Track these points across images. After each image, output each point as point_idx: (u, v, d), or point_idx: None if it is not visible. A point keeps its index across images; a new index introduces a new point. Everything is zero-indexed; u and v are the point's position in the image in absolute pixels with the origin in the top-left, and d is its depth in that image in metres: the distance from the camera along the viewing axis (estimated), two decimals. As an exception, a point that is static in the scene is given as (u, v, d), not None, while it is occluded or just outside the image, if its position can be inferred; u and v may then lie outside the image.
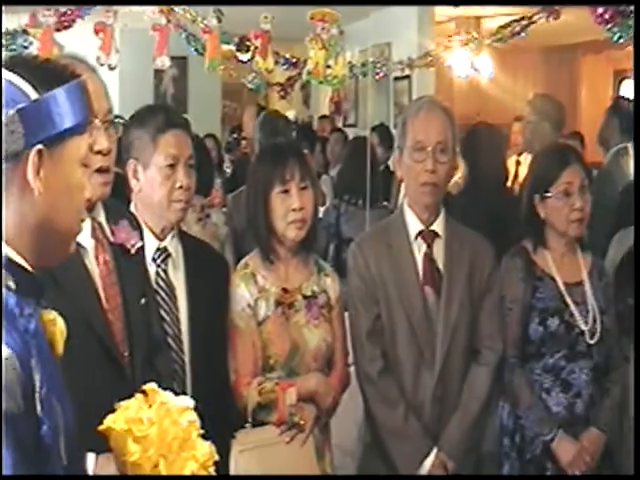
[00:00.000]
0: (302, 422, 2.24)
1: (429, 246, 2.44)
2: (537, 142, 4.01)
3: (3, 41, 5.39)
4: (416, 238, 2.45)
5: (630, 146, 4.03)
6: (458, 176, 3.98)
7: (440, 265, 2.43)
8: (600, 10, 4.30)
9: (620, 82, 8.40)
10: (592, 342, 2.49)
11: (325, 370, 2.38)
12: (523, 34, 5.41)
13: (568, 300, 2.51)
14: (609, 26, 4.31)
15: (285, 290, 2.36)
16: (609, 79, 8.63)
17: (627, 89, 7.76)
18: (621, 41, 4.33)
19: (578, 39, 8.17)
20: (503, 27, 5.60)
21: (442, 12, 7.22)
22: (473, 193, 3.72)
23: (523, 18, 5.36)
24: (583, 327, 2.49)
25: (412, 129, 2.40)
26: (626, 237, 2.74)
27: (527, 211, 2.61)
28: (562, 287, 2.53)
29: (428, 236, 2.45)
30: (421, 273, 2.43)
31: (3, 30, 5.38)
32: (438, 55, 6.38)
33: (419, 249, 2.44)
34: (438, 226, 2.46)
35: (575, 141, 6.34)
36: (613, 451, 2.56)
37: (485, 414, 2.45)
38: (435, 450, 2.36)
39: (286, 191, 2.33)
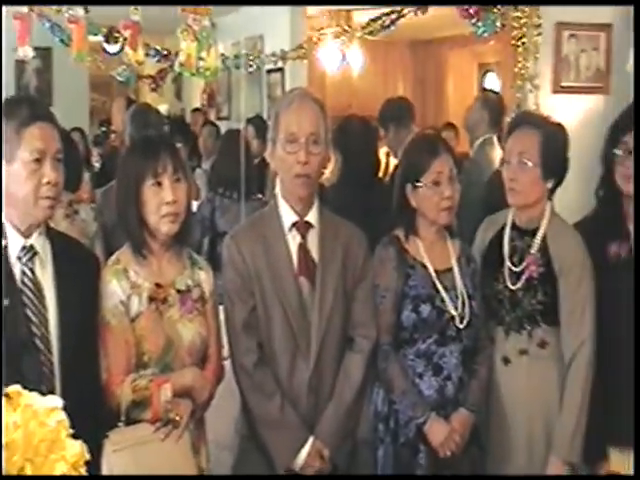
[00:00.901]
0: (178, 418, 2.20)
1: (303, 237, 2.46)
2: (393, 145, 4.15)
3: None
4: (290, 229, 2.46)
5: (495, 137, 4.19)
6: (331, 168, 4.03)
7: (314, 255, 2.45)
8: (465, 5, 4.45)
9: (484, 75, 8.70)
10: (461, 326, 2.56)
11: (200, 364, 2.35)
12: (393, 27, 5.53)
13: (439, 286, 2.57)
14: (473, 21, 4.47)
15: (158, 285, 2.31)
16: (474, 72, 8.91)
17: (490, 82, 8.05)
18: (485, 35, 4.50)
19: (445, 33, 8.39)
20: (373, 20, 5.71)
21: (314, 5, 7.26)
22: (346, 184, 3.77)
23: (393, 12, 5.47)
24: (453, 312, 2.55)
25: (285, 121, 2.41)
26: (492, 224, 2.84)
27: (399, 201, 2.65)
28: (433, 274, 2.59)
29: (302, 227, 2.46)
30: (296, 264, 2.44)
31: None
32: (310, 47, 6.42)
33: (294, 240, 2.46)
34: (312, 217, 2.48)
35: (450, 132, 6.55)
36: (480, 430, 2.64)
37: (360, 401, 2.49)
38: (311, 439, 2.38)
39: (159, 184, 2.28)
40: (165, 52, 6.31)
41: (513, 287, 2.66)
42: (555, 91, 4.31)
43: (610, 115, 2.90)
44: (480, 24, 4.50)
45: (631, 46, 4.18)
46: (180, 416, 2.21)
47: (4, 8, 5.27)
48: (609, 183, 2.71)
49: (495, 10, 4.40)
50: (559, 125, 2.75)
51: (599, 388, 2.60)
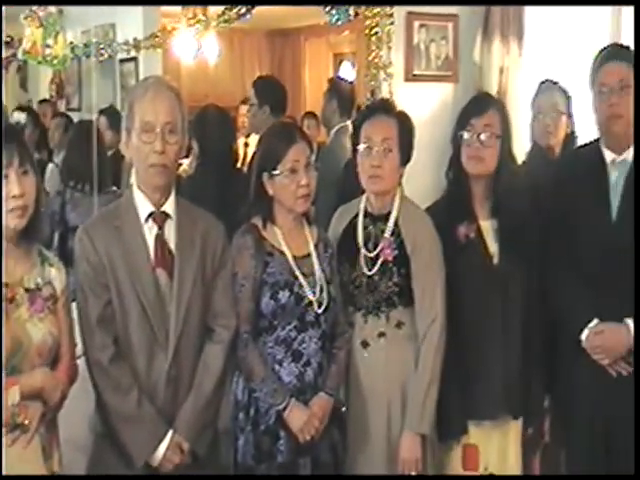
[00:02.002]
0: (26, 422, 2.10)
1: (160, 228, 2.43)
2: (260, 124, 4.10)
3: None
4: (147, 220, 2.42)
5: (350, 124, 4.23)
6: (190, 158, 3.97)
7: (172, 246, 2.42)
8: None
9: (339, 64, 8.81)
10: (320, 311, 2.59)
11: (51, 364, 2.24)
12: (248, 16, 5.48)
13: (297, 273, 2.59)
14: (327, 9, 4.49)
15: (5, 284, 2.19)
16: (329, 62, 9.00)
17: (346, 71, 8.15)
18: (339, 24, 4.53)
19: (301, 23, 8.44)
20: (229, 9, 5.65)
21: (167, -7, 7.10)
22: (204, 174, 3.72)
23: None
24: (312, 297, 2.58)
25: (140, 110, 2.37)
26: (344, 213, 2.88)
27: (256, 189, 2.65)
28: (291, 260, 2.60)
29: (159, 218, 2.43)
30: (152, 255, 2.40)
31: None
32: (165, 36, 6.29)
33: (150, 231, 2.42)
34: (169, 207, 2.45)
35: (311, 121, 6.60)
36: (341, 414, 2.68)
37: (220, 392, 2.48)
38: (170, 432, 2.35)
39: (4, 177, 2.16)
40: (8, 39, 6.00)
41: (369, 272, 2.72)
42: (407, 79, 4.38)
43: (458, 102, 3.00)
44: (334, 12, 4.52)
45: (478, 35, 4.33)
46: (29, 420, 2.11)
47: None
48: (457, 165, 2.83)
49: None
50: (405, 114, 2.84)
51: (456, 365, 2.70)
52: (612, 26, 4.73)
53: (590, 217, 2.75)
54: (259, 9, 5.39)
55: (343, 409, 2.69)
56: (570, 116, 3.62)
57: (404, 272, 2.69)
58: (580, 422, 2.78)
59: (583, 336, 2.71)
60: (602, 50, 2.87)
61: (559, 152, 3.56)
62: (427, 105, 4.31)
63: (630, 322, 2.65)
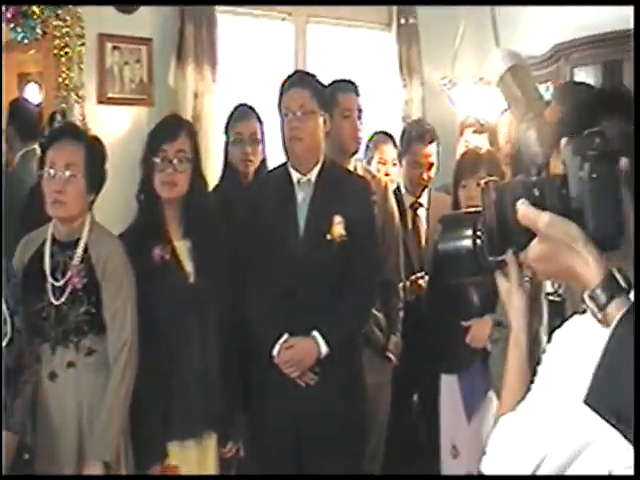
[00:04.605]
0: None
1: None
2: None
3: None
4: None
5: (37, 147, 3.98)
6: None
7: None
8: (3, 9, 4.21)
9: (25, 85, 8.36)
10: (4, 345, 2.44)
11: None
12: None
13: None
14: (12, 26, 4.26)
15: None
16: (14, 82, 8.51)
17: (32, 92, 7.77)
18: (25, 41, 4.31)
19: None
20: None
21: None
22: None
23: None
24: None
25: None
26: (31, 241, 2.73)
27: None
28: None
29: None
30: None
31: None
32: None
33: None
34: None
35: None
36: (26, 449, 2.53)
37: None
38: None
39: None
40: None
41: (57, 302, 2.61)
42: (101, 102, 4.29)
43: (153, 125, 2.98)
44: (19, 30, 4.30)
45: (172, 60, 4.33)
46: None
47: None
48: (149, 188, 2.82)
49: (35, 16, 4.22)
50: (97, 139, 2.79)
51: (155, 388, 2.68)
52: (297, 52, 4.98)
53: (280, 235, 2.87)
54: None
55: (26, 456, 2.55)
56: (263, 141, 3.69)
57: (94, 300, 2.62)
58: (272, 434, 2.87)
59: (275, 351, 2.79)
60: (288, 77, 3.00)
61: (252, 175, 3.62)
62: (121, 128, 4.25)
63: (317, 334, 2.79)
